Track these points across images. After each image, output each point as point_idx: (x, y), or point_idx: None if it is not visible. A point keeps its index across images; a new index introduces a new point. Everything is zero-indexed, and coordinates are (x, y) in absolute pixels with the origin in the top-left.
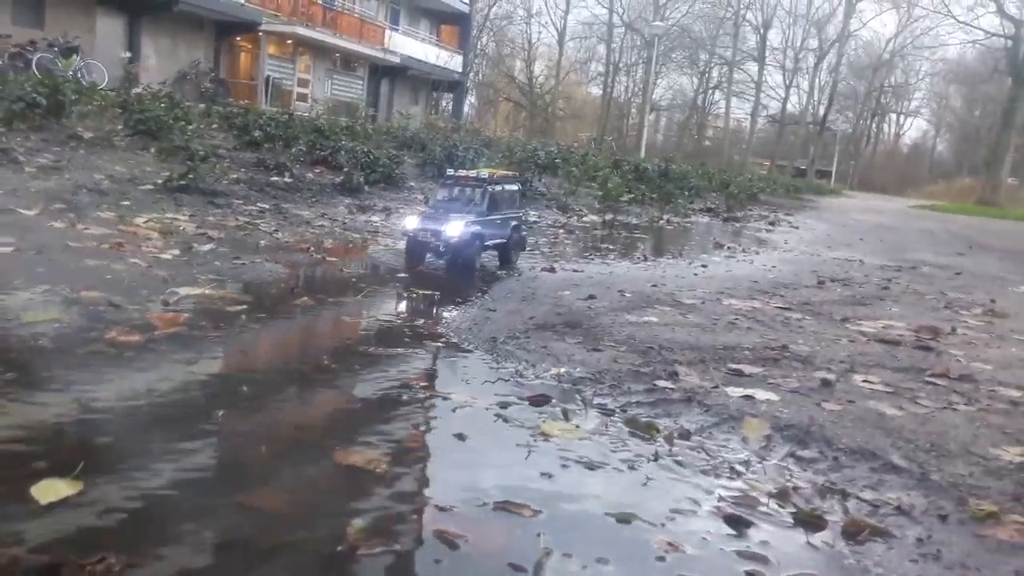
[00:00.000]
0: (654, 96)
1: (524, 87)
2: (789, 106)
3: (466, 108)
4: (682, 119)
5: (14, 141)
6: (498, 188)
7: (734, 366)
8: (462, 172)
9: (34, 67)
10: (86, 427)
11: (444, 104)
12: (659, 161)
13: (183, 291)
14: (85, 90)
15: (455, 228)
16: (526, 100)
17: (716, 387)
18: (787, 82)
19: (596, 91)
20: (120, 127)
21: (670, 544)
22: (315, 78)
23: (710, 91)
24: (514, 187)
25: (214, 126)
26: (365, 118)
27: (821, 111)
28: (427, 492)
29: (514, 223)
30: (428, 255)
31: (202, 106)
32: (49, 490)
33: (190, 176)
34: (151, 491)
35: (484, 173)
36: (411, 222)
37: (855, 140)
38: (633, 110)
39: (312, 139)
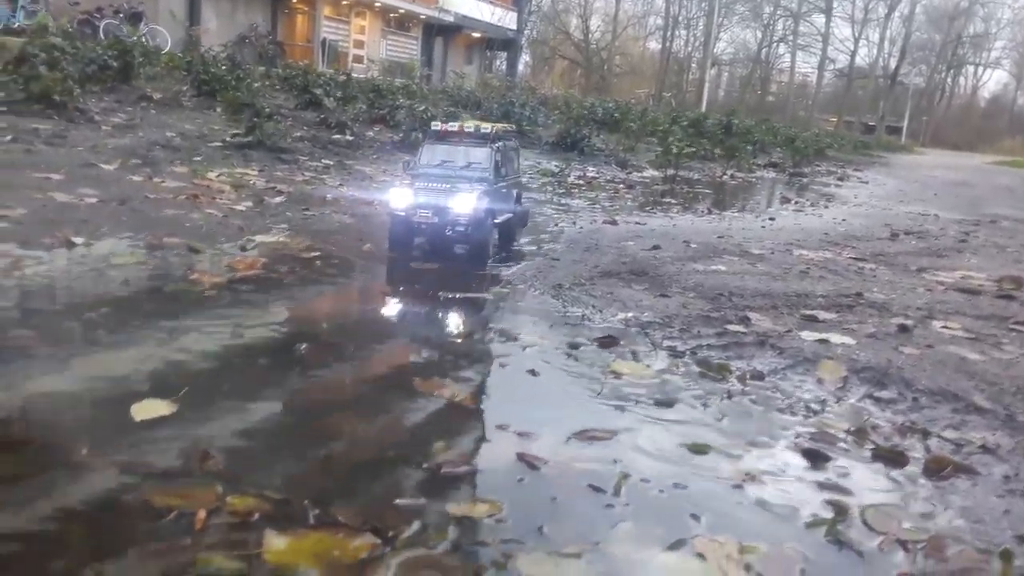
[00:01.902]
0: (715, 50)
1: (580, 44)
2: (858, 59)
3: (520, 67)
4: (744, 74)
5: (89, 102)
6: (501, 146)
7: (807, 312)
8: (452, 125)
9: (101, 33)
10: (181, 360)
11: (498, 63)
12: (721, 116)
13: (259, 238)
14: (151, 53)
15: (466, 203)
16: (582, 57)
17: (789, 331)
18: (856, 34)
19: (654, 46)
20: (186, 88)
21: (747, 475)
22: (370, 39)
23: (774, 44)
24: (513, 144)
25: (277, 87)
26: (420, 78)
27: (892, 64)
28: (504, 420)
29: (516, 191)
30: (417, 239)
31: (261, 69)
32: (146, 410)
33: (256, 132)
34: (244, 415)
35: (485, 127)
36: (401, 197)
37: (928, 94)
38: (693, 65)
39: (371, 98)
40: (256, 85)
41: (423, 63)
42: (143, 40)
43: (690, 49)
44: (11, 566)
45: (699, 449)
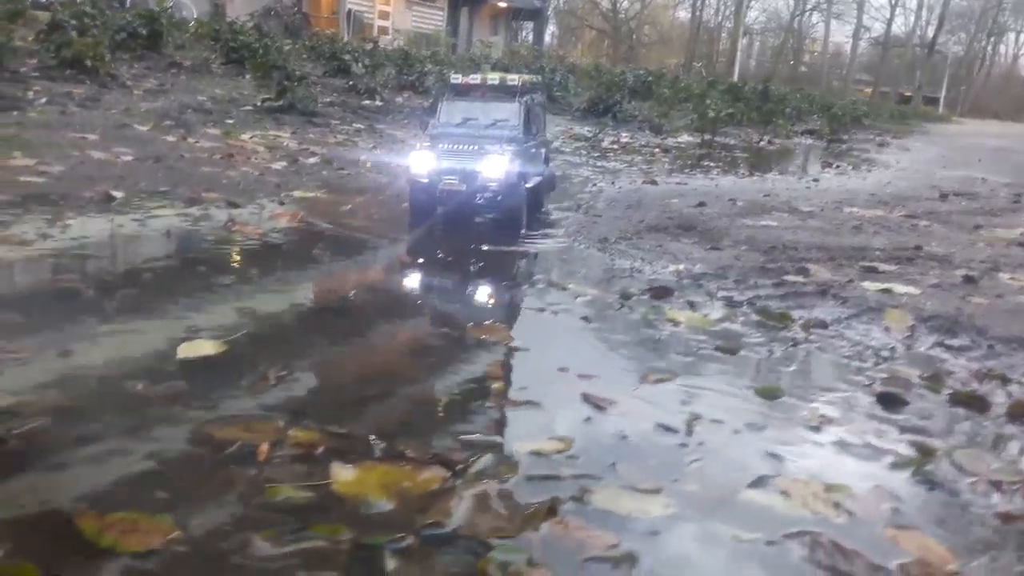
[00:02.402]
0: (747, 19)
1: (607, 13)
2: (894, 27)
3: (547, 38)
4: (776, 44)
5: (120, 68)
6: (529, 100)
7: (866, 264)
8: (474, 77)
9: (128, 4)
10: (230, 307)
11: (524, 34)
12: (757, 83)
13: (297, 194)
14: (179, 23)
15: (497, 166)
16: (609, 27)
17: (850, 281)
18: (892, 1)
19: (684, 15)
20: (214, 56)
21: (823, 417)
22: (395, 10)
23: (807, 13)
24: (540, 99)
25: (304, 57)
26: (447, 48)
27: (930, 32)
28: (563, 363)
29: (543, 151)
30: (440, 208)
31: (288, 39)
32: (192, 348)
33: (288, 96)
34: (300, 358)
35: (511, 79)
36: (423, 161)
37: (967, 63)
38: (723, 35)
39: (399, 65)
40: (287, 48)
41: (449, 33)
42: (170, 12)
43: (720, 19)
44: (78, 496)
45: (770, 393)
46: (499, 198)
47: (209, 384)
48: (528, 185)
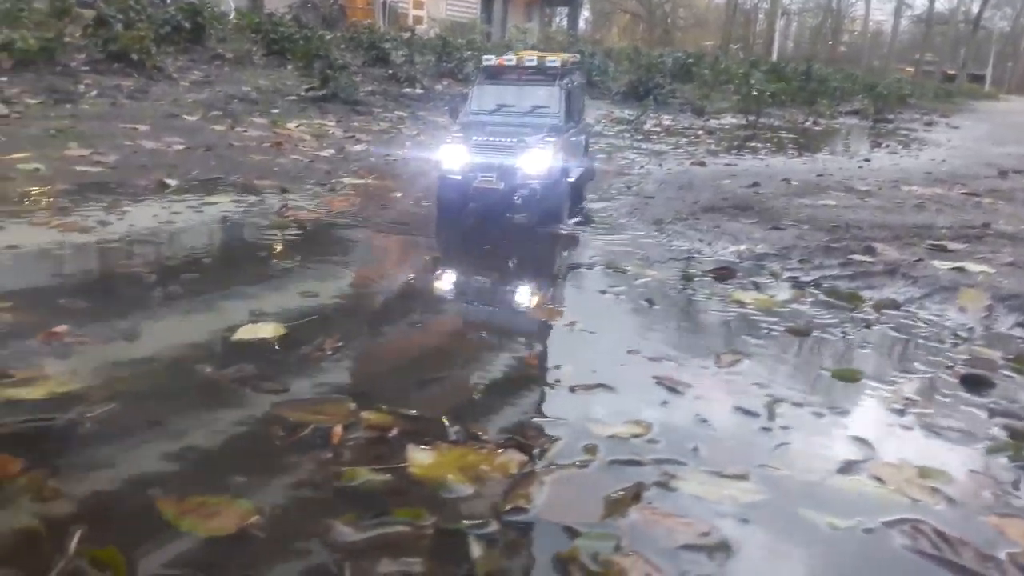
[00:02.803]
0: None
1: None
2: (937, 4)
3: (580, 23)
4: (815, 24)
5: (165, 61)
6: (569, 83)
7: (934, 242)
8: (509, 57)
9: (168, 1)
10: (289, 288)
11: (558, 20)
12: (798, 63)
13: (347, 180)
14: (220, 16)
15: (539, 161)
16: (644, 11)
17: (920, 260)
18: None
19: None
20: (256, 47)
21: (907, 399)
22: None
23: None
24: (580, 80)
25: (342, 47)
26: (481, 35)
27: (974, 8)
28: (632, 345)
29: (584, 138)
30: (470, 206)
31: (325, 32)
32: (250, 331)
33: (331, 84)
34: (353, 331)
35: (551, 59)
36: (455, 155)
37: (1014, 39)
38: (760, 16)
39: (438, 53)
40: (328, 37)
41: (483, 21)
42: (210, 5)
43: (757, 0)
44: (154, 479)
45: (848, 375)
46: (539, 196)
47: (276, 367)
48: (571, 179)
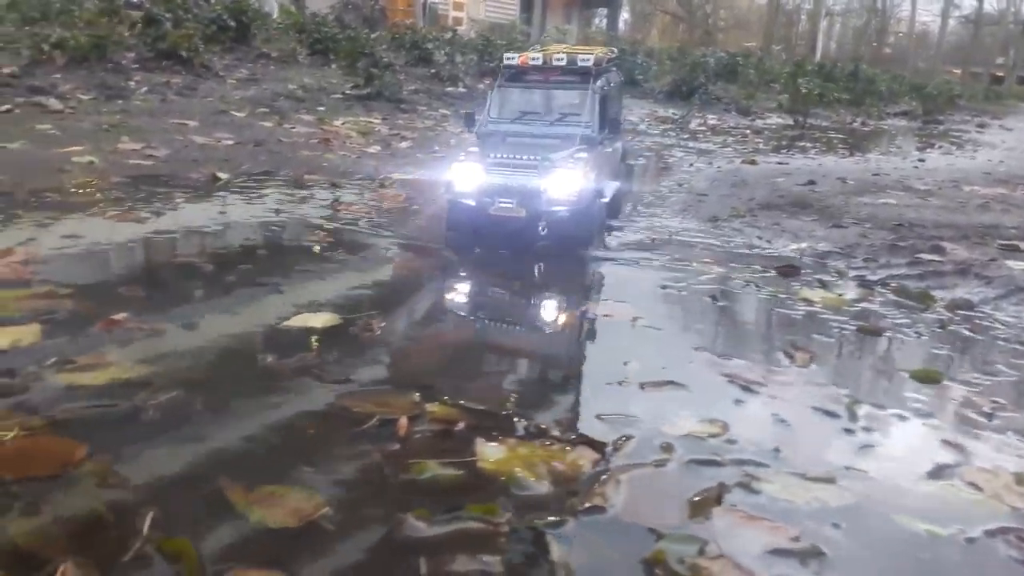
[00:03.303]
0: (828, 0)
1: None
2: (986, 5)
3: (620, 24)
4: (859, 25)
5: (212, 59)
6: (605, 83)
7: (1005, 242)
8: (535, 56)
9: (212, 1)
10: (345, 279)
11: (598, 21)
12: (844, 64)
13: (396, 175)
14: (265, 15)
15: (568, 183)
16: (684, 12)
17: (993, 260)
18: None
19: None
20: (300, 46)
21: (995, 402)
22: (470, 1)
23: None
24: (617, 78)
25: (384, 47)
26: (522, 36)
27: None
28: (698, 343)
29: (621, 147)
30: (487, 233)
31: (367, 30)
32: (302, 320)
33: (375, 83)
34: (413, 325)
35: (583, 57)
36: (468, 176)
37: None
38: (803, 17)
39: (480, 52)
40: (374, 36)
41: (523, 22)
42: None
43: (799, 1)
44: (221, 467)
45: (929, 377)
46: (570, 224)
47: (335, 357)
48: (605, 199)
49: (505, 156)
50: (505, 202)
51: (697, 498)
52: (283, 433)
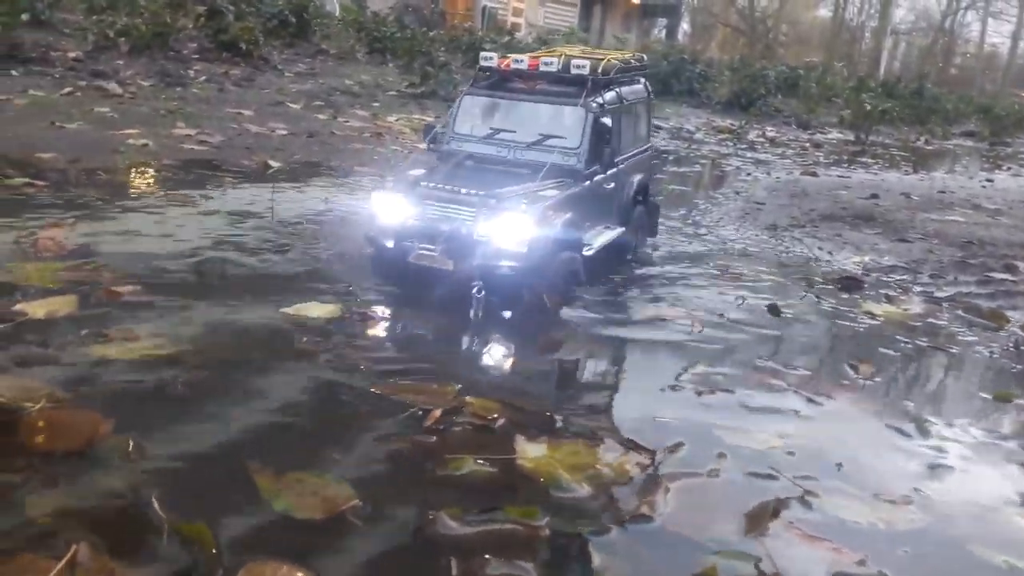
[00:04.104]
0: (893, 19)
1: (744, 11)
2: None
3: (679, 36)
4: (925, 45)
5: (272, 53)
6: (614, 100)
7: None
8: (519, 59)
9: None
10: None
11: (656, 31)
12: (908, 82)
13: None
14: (325, 14)
15: (514, 230)
16: (745, 25)
17: None
18: None
19: (824, 14)
20: (358, 44)
21: None
22: (528, 6)
23: (961, 12)
24: (641, 92)
25: (441, 49)
26: (579, 43)
27: None
28: (757, 351)
29: (639, 177)
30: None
31: (425, 30)
32: (309, 309)
33: (430, 81)
34: (458, 319)
35: (579, 62)
36: (389, 209)
37: None
38: (867, 35)
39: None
40: (432, 34)
41: (581, 29)
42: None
43: (864, 17)
44: (247, 448)
45: (1004, 396)
46: (512, 286)
47: (369, 343)
48: (589, 251)
49: (441, 185)
50: (427, 249)
51: (753, 512)
52: (314, 417)
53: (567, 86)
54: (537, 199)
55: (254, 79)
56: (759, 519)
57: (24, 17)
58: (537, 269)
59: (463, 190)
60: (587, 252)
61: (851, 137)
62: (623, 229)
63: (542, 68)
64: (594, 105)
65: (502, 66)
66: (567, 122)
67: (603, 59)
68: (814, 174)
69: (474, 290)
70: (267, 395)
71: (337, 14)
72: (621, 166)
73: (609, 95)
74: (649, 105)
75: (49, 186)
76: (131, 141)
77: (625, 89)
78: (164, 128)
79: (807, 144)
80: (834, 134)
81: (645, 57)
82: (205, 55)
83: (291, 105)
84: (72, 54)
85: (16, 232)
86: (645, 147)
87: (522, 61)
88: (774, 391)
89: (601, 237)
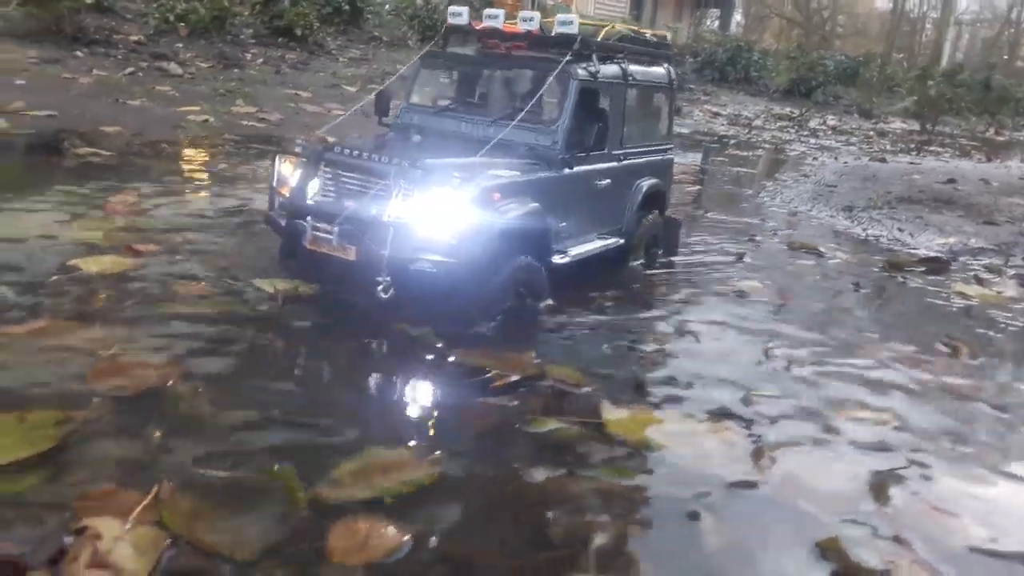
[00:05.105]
0: (957, 8)
1: (799, 1)
2: None
3: (732, 26)
4: (990, 36)
5: (326, 39)
6: (616, 75)
7: None
8: (491, 15)
9: None
10: None
11: (709, 21)
12: (973, 73)
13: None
14: (378, 2)
15: (442, 215)
16: (801, 16)
17: None
18: None
19: (883, 5)
20: (410, 32)
21: None
22: None
23: None
24: (661, 76)
25: None
26: None
27: None
28: (848, 324)
29: (651, 182)
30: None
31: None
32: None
33: None
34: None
35: (566, 19)
36: (285, 177)
37: None
38: (928, 26)
39: None
40: None
41: (633, 19)
42: None
43: (925, 8)
44: (324, 409)
45: None
46: (435, 289)
47: (436, 316)
48: (558, 261)
49: (351, 151)
50: (324, 230)
51: (872, 483)
52: (394, 383)
53: (548, 50)
54: (481, 175)
55: (309, 63)
56: (879, 490)
57: (88, 1)
58: (473, 272)
59: (377, 157)
60: (559, 261)
61: (916, 127)
62: (621, 241)
63: (522, 26)
64: (582, 72)
65: (474, 26)
66: (545, 92)
67: (607, 26)
68: (883, 160)
69: (379, 288)
70: (338, 356)
71: (388, 6)
72: (623, 161)
73: (609, 68)
74: (672, 96)
75: (114, 156)
76: (192, 117)
77: (635, 67)
78: (224, 106)
79: (871, 132)
80: (897, 124)
81: (669, 37)
82: (261, 40)
83: (347, 87)
84: (134, 37)
85: (83, 196)
86: (663, 146)
87: (497, 17)
88: (873, 366)
89: (586, 246)
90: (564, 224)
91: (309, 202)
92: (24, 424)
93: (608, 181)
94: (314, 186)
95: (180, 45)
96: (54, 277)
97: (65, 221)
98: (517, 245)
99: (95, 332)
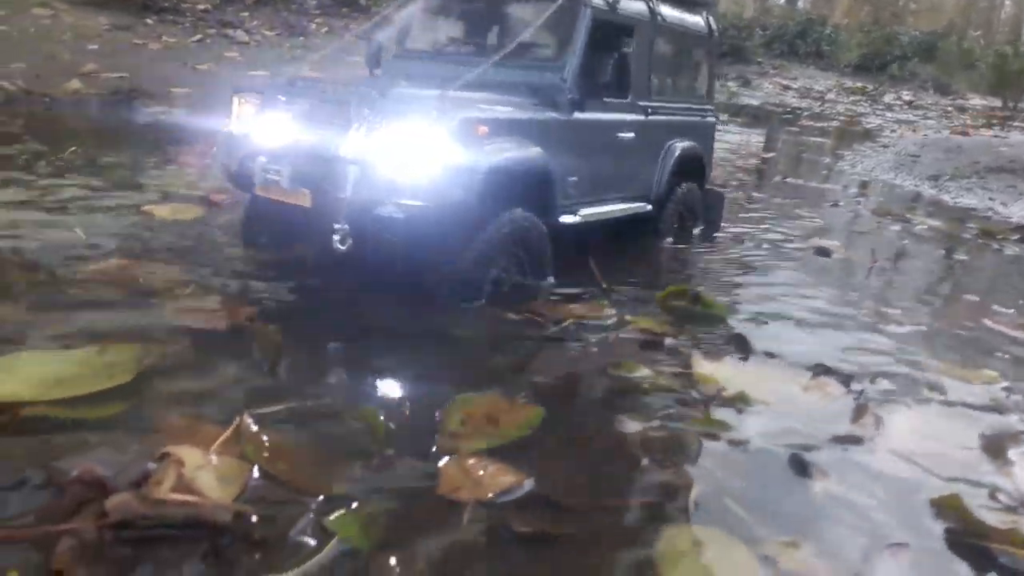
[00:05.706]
0: None
1: None
2: None
3: (800, 2)
4: None
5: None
6: (642, 12)
7: None
8: None
9: None
10: None
11: None
12: None
13: None
14: None
15: (412, 152)
16: None
17: None
18: None
19: None
20: None
21: None
22: None
23: None
24: (698, 25)
25: None
26: None
27: None
28: (942, 289)
29: (685, 144)
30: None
31: None
32: None
33: None
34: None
35: None
36: (239, 118)
37: None
38: (1008, 2)
39: None
40: None
41: None
42: None
43: None
44: (408, 363)
45: None
46: (406, 236)
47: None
48: (566, 220)
49: (313, 86)
50: (273, 172)
51: (990, 441)
52: (478, 333)
53: None
54: (464, 107)
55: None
56: (996, 450)
57: None
58: (451, 221)
59: (342, 87)
60: (566, 220)
61: (997, 103)
62: (649, 207)
63: None
64: (603, 4)
65: None
66: (556, 24)
67: None
68: (965, 133)
69: (336, 238)
70: (414, 305)
71: None
72: (651, 116)
73: (634, 2)
74: (712, 51)
75: (184, 115)
76: (260, 80)
77: (667, 8)
78: (290, 70)
79: (949, 108)
80: (976, 100)
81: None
82: (326, 10)
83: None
84: (201, 6)
85: (155, 149)
86: (702, 107)
87: None
88: (973, 328)
89: (603, 207)
90: (574, 179)
91: (263, 143)
92: (103, 357)
93: (632, 135)
94: (270, 125)
95: (246, 14)
96: (132, 219)
97: (139, 171)
98: (510, 193)
99: (171, 272)
